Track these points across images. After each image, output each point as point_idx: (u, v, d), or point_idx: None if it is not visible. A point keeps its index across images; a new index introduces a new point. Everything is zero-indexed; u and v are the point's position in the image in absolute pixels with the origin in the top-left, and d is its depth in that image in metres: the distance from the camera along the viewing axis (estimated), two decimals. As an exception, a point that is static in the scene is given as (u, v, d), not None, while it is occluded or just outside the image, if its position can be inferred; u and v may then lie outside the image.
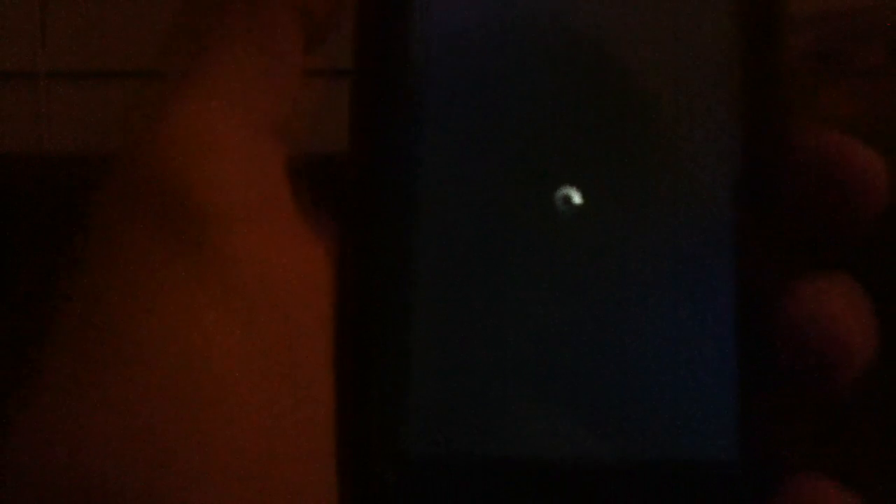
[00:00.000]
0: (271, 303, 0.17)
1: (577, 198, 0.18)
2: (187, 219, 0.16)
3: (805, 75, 0.18)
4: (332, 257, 0.18)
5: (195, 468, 0.15)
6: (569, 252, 0.18)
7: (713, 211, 0.18)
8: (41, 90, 0.53)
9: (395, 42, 0.18)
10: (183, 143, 0.17)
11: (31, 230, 0.45)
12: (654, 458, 0.17)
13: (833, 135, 0.18)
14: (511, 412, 0.17)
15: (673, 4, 0.19)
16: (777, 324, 0.17)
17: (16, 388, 0.16)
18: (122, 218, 0.17)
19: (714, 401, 0.17)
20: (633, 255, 0.18)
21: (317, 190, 0.18)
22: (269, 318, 0.16)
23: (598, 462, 0.17)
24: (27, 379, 0.16)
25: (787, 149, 0.18)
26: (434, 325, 0.18)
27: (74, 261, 0.17)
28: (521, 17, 0.19)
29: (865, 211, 0.17)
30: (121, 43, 0.52)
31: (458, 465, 0.17)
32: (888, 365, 0.18)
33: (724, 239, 0.18)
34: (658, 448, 0.17)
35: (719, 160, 0.18)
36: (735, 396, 0.17)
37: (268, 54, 0.18)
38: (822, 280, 0.18)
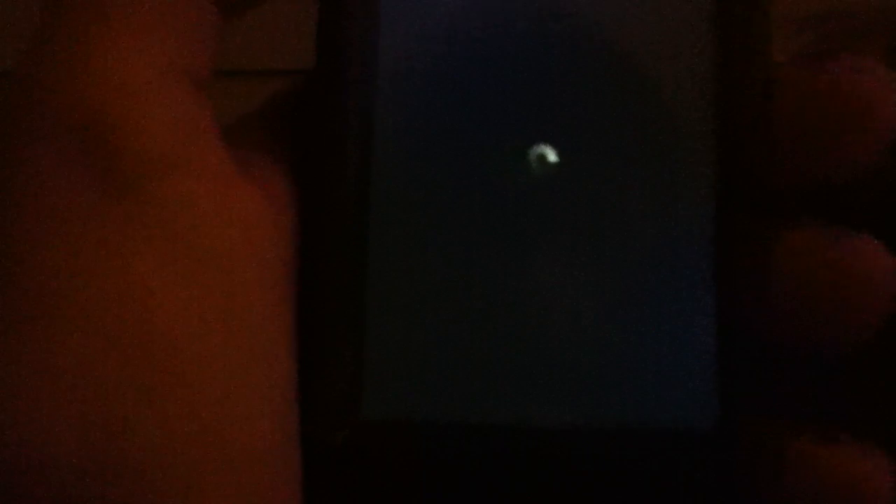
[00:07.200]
0: (209, 251, 0.15)
1: (550, 156, 0.17)
2: (115, 161, 0.15)
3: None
4: (274, 206, 0.17)
5: (154, 436, 0.14)
6: (537, 212, 0.17)
7: (692, 165, 0.17)
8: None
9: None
10: (105, 83, 0.15)
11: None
12: (613, 426, 0.17)
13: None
14: (469, 377, 0.17)
15: None
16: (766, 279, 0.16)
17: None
18: (36, 151, 0.15)
19: (686, 366, 0.17)
20: (603, 212, 0.17)
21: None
22: (207, 267, 0.15)
23: (561, 430, 0.17)
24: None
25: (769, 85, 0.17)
26: (392, 286, 0.17)
27: None
28: None
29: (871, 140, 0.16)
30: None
31: (416, 429, 0.17)
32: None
33: (704, 193, 0.17)
34: (621, 415, 0.17)
35: (693, 103, 0.17)
36: (715, 362, 0.17)
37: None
38: (812, 230, 0.17)
